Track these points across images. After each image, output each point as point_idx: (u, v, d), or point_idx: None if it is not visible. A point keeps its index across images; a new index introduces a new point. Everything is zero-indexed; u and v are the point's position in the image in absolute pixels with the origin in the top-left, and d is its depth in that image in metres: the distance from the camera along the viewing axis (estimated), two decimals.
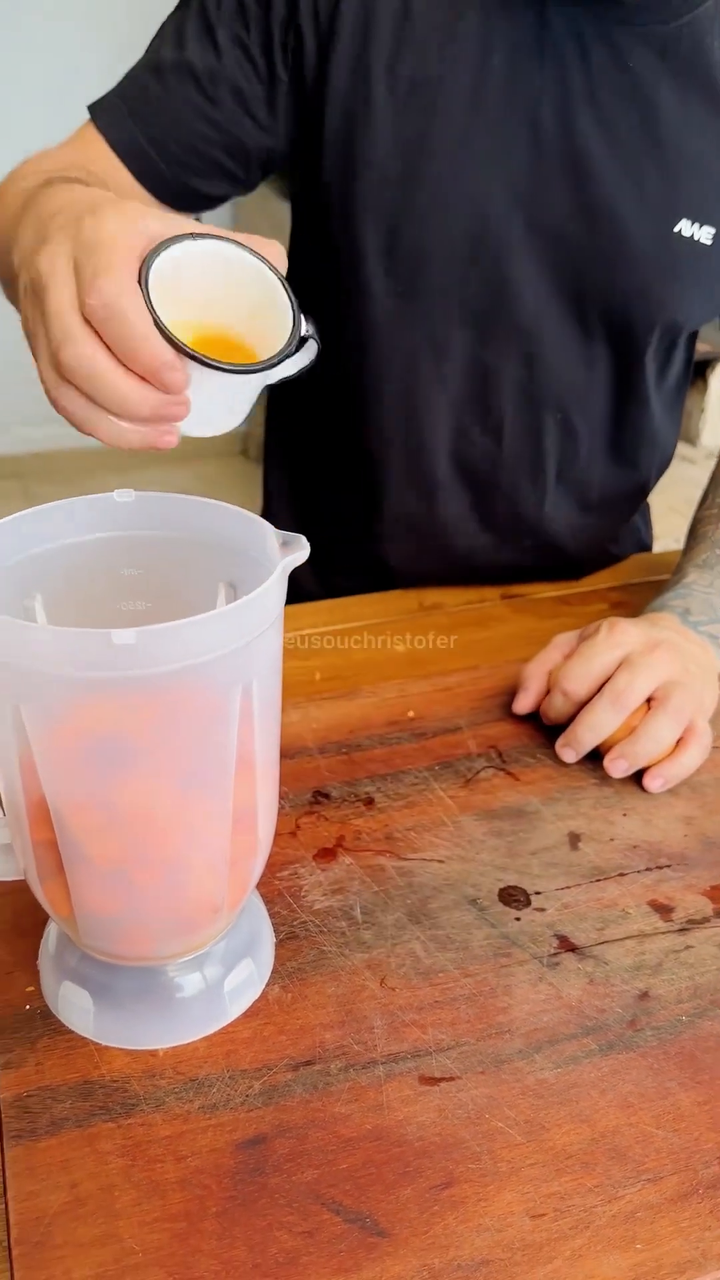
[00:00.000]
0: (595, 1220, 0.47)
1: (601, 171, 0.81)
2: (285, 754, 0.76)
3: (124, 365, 0.51)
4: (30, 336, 0.55)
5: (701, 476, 1.37)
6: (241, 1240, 0.46)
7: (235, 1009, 0.56)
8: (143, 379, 0.51)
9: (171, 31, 0.83)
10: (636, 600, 0.96)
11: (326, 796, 0.72)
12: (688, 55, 0.80)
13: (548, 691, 0.76)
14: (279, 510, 1.08)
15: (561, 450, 0.95)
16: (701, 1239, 0.47)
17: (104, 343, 0.50)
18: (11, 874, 0.54)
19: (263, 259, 0.53)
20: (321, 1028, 0.55)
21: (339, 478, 1.00)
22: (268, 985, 0.58)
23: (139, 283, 0.50)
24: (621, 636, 0.73)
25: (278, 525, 0.50)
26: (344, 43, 0.79)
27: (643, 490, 1.04)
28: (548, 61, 0.79)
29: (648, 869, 0.66)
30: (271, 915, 0.62)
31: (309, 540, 0.49)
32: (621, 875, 0.66)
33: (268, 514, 1.07)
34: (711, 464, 1.38)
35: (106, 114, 0.83)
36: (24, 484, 3.16)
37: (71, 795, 0.47)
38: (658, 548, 1.18)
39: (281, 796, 0.72)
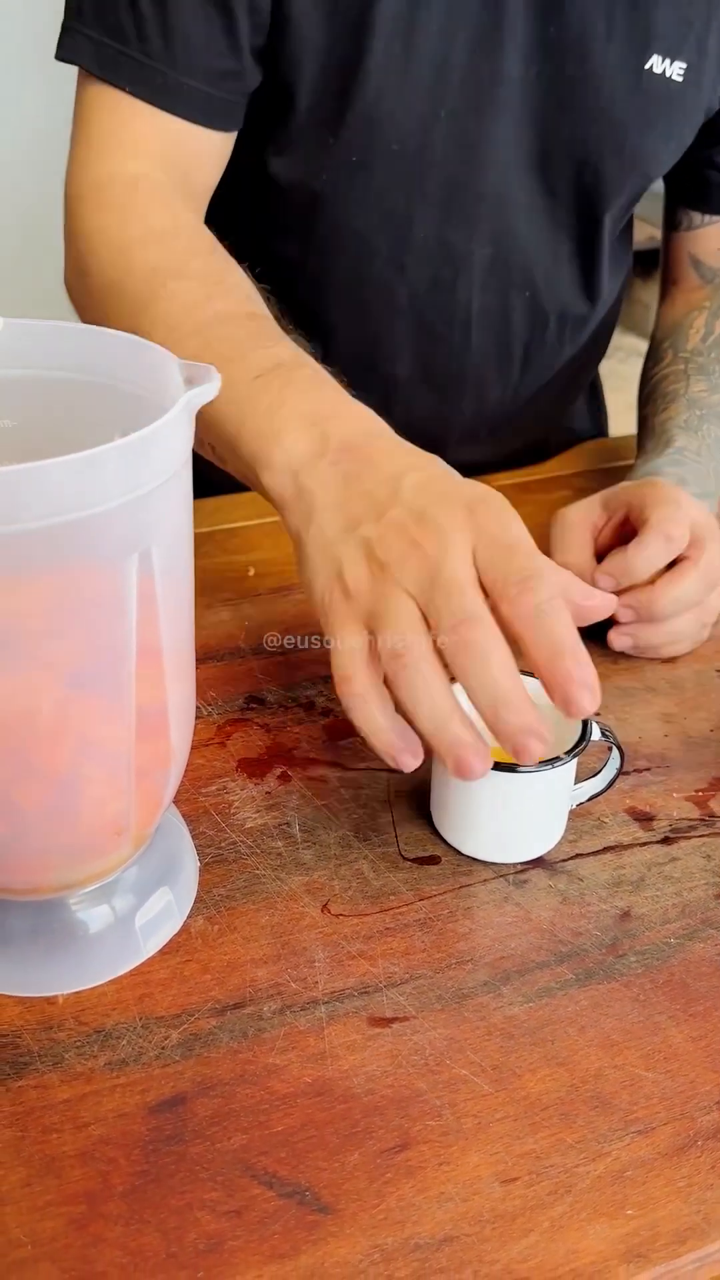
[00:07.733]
0: (578, 1183, 0.40)
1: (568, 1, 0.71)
2: (214, 655, 0.67)
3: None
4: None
5: None
6: (153, 1224, 0.38)
7: (150, 945, 0.48)
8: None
9: None
10: (599, 487, 0.88)
11: (261, 702, 0.63)
12: None
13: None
14: None
15: (530, 333, 0.87)
16: (704, 1200, 0.40)
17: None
18: None
19: None
20: (253, 964, 0.47)
21: None
22: (189, 917, 0.50)
23: None
24: (686, 516, 0.66)
25: None
26: None
27: (600, 351, 0.96)
28: None
29: (625, 773, 0.59)
30: (195, 836, 0.54)
31: None
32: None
33: None
34: None
35: (122, 70, 0.67)
36: None
37: None
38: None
39: (210, 702, 0.63)
